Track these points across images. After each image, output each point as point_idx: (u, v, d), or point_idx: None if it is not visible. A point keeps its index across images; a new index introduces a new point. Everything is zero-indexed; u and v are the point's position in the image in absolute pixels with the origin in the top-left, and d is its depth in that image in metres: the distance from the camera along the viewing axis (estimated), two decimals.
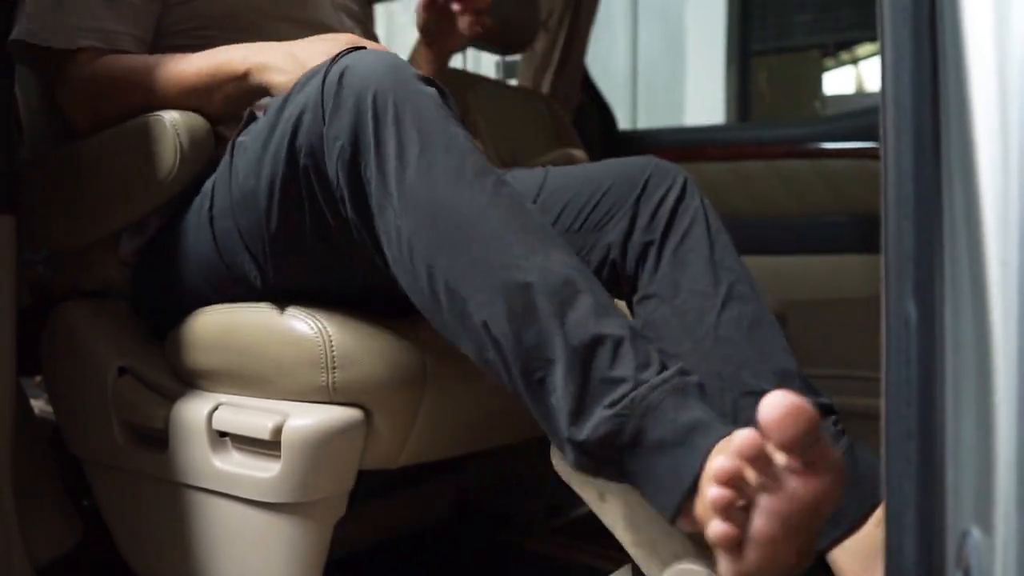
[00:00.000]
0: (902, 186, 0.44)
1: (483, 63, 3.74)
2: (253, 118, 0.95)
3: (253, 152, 0.87)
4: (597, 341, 0.68)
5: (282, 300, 0.90)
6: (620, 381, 0.67)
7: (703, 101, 5.09)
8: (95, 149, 1.03)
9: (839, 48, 5.30)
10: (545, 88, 2.27)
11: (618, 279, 0.96)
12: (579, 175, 1.02)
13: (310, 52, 0.94)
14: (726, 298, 0.88)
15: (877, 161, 1.98)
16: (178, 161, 0.94)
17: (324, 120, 0.77)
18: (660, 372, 0.68)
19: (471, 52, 2.18)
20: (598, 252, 0.97)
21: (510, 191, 0.75)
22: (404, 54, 1.05)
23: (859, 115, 2.10)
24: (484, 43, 2.08)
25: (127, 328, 1.08)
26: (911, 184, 0.44)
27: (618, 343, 0.68)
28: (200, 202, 0.96)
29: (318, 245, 0.86)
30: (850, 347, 2.01)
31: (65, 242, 1.09)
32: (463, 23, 1.26)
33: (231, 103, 1.00)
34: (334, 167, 0.77)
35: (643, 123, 5.33)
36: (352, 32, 1.26)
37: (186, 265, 0.98)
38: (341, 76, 0.77)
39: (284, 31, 1.14)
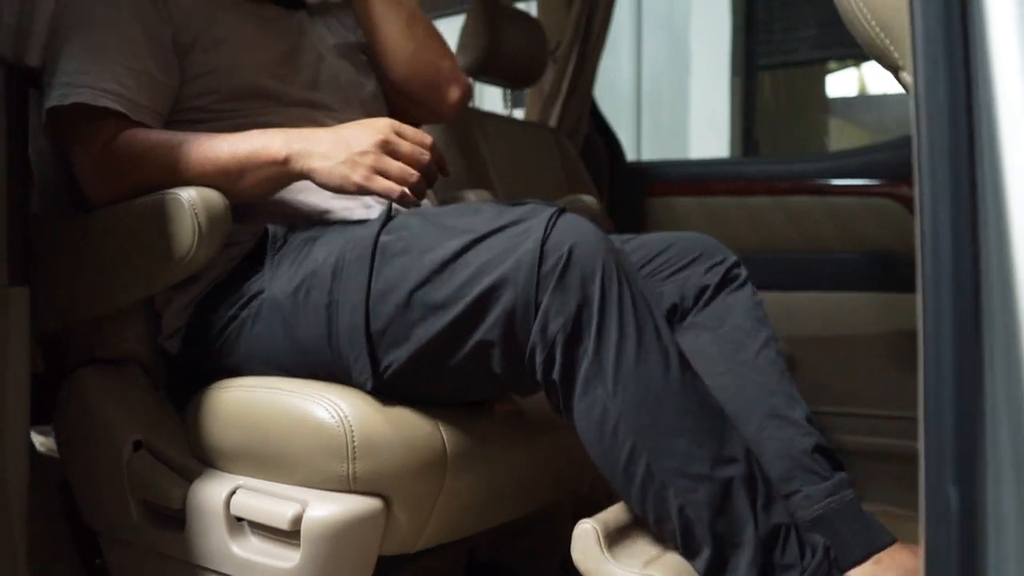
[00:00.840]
0: (941, 363, 0.44)
1: (489, 93, 3.74)
2: (390, 214, 0.94)
3: (415, 269, 0.86)
4: (776, 531, 0.79)
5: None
6: (791, 567, 0.78)
7: (708, 114, 5.09)
8: (110, 223, 1.03)
9: (844, 62, 5.30)
10: (553, 121, 2.26)
11: (671, 315, 1.03)
12: (637, 239, 1.10)
13: (357, 140, 0.96)
14: (764, 344, 0.97)
15: (884, 199, 2.00)
16: (196, 242, 0.94)
17: (539, 290, 0.79)
18: (813, 556, 0.79)
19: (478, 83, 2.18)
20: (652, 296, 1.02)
21: (697, 378, 0.82)
22: None
23: (867, 152, 2.10)
24: (493, 77, 2.08)
25: (142, 398, 1.08)
26: (950, 357, 0.44)
27: (788, 532, 0.79)
28: (305, 280, 0.94)
29: (461, 370, 0.86)
30: (857, 384, 2.01)
31: (78, 313, 1.09)
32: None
33: (261, 186, 1.01)
34: (544, 336, 0.79)
35: (647, 136, 5.33)
36: (365, 85, 1.26)
37: (265, 336, 0.97)
38: (569, 256, 0.78)
39: (300, 96, 1.15)
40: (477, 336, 0.83)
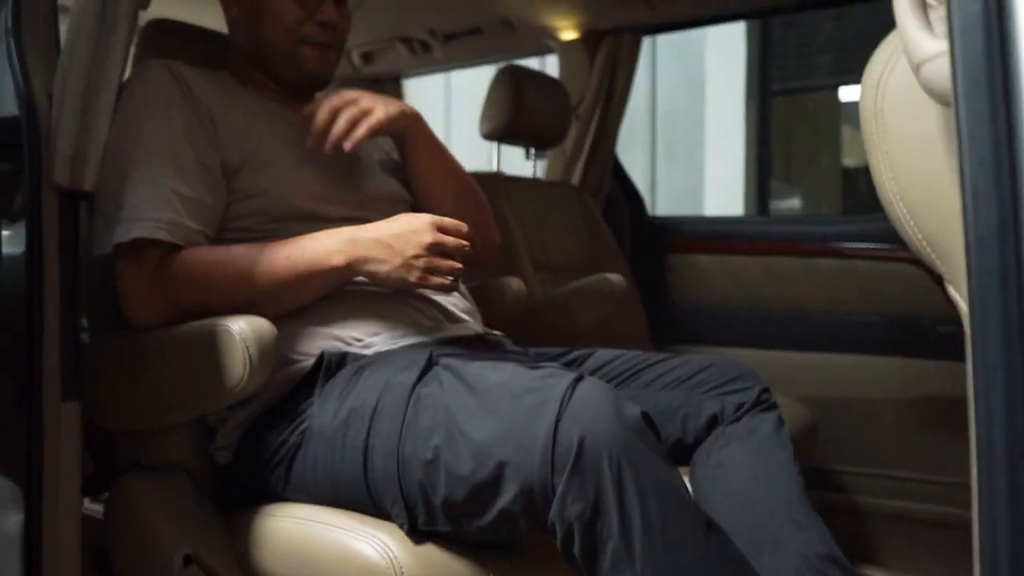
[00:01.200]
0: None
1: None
2: (431, 364, 0.98)
3: (441, 429, 0.88)
4: None
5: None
6: None
7: (723, 139, 5.10)
8: (161, 346, 1.06)
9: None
10: (575, 179, 2.29)
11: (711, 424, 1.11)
12: (680, 358, 1.18)
13: (408, 244, 1.03)
14: (786, 459, 1.04)
15: (908, 265, 2.01)
16: (247, 373, 0.97)
17: (554, 473, 0.80)
18: None
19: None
20: (690, 410, 1.10)
21: (723, 538, 0.84)
22: None
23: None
24: (518, 140, 2.11)
25: (191, 509, 1.11)
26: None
27: None
28: (347, 417, 0.97)
29: (492, 527, 0.88)
30: (878, 446, 2.03)
31: (128, 426, 1.12)
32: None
33: (321, 291, 1.07)
34: (563, 518, 0.80)
35: (662, 161, 5.35)
36: (407, 200, 1.30)
37: (311, 466, 1.00)
38: (581, 444, 0.79)
39: (344, 215, 1.18)
40: (499, 505, 0.84)
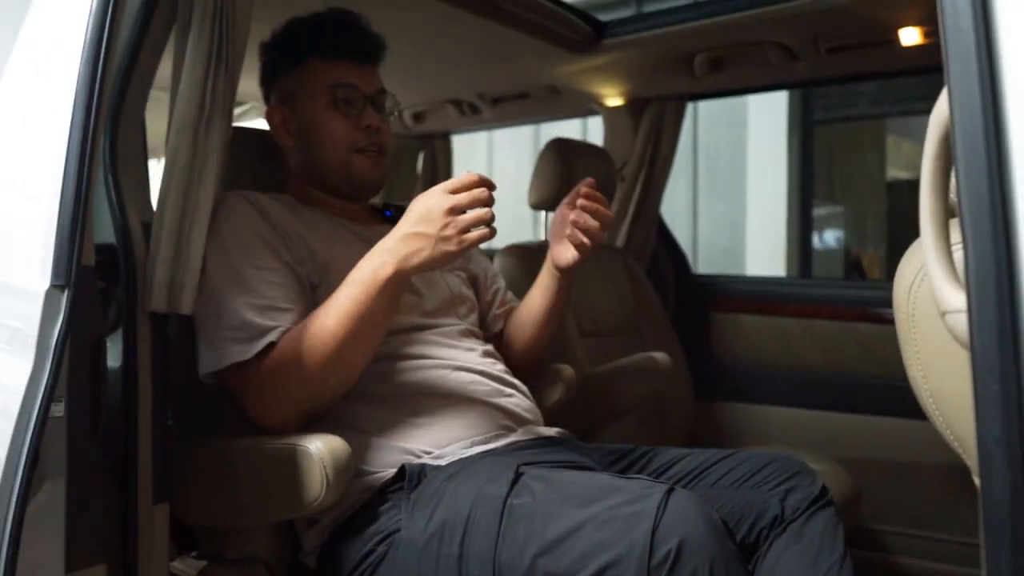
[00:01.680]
0: None
1: None
2: (519, 474, 1.04)
3: (538, 537, 0.95)
4: None
5: None
6: None
7: (765, 170, 5.11)
8: (244, 458, 1.15)
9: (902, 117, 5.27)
10: (620, 241, 2.35)
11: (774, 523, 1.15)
12: (741, 454, 1.23)
13: (429, 221, 1.06)
14: (840, 558, 1.08)
15: None
16: (324, 491, 1.05)
17: None
18: None
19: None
20: (755, 510, 1.14)
21: None
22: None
23: None
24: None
25: None
26: None
27: None
28: (439, 529, 1.04)
29: None
30: (920, 508, 2.05)
31: (208, 524, 1.22)
32: (573, 234, 1.29)
33: (389, 308, 1.11)
34: None
35: (703, 191, 5.37)
36: (468, 298, 1.38)
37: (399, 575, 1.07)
38: (679, 550, 0.87)
39: (414, 323, 1.27)
40: None
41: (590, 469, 1.16)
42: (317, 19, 1.35)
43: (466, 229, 1.05)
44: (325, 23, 1.35)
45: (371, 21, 1.39)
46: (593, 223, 1.27)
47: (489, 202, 1.07)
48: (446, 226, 1.05)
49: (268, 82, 1.39)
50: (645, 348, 2.18)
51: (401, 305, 1.27)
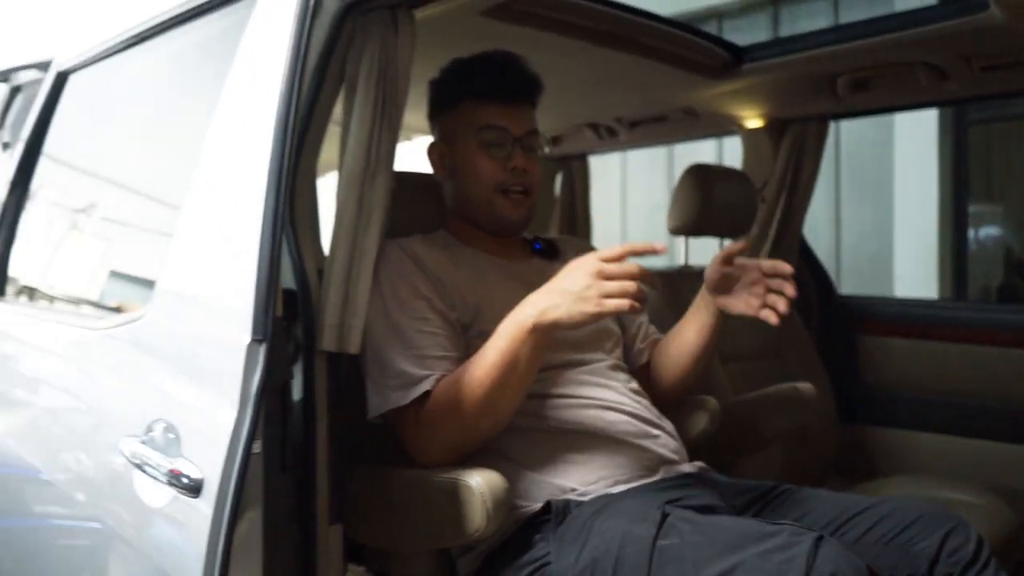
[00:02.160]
0: None
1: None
2: (665, 515, 1.09)
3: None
4: None
5: None
6: None
7: (914, 173, 4.88)
8: (412, 488, 1.25)
9: None
10: None
11: None
12: (888, 502, 1.20)
13: (576, 281, 1.11)
14: None
15: None
16: (485, 523, 1.14)
17: None
18: None
19: None
20: (903, 570, 1.14)
21: None
22: None
23: None
24: (706, 233, 2.18)
25: None
26: None
27: None
28: (589, 566, 1.10)
29: None
30: None
31: (375, 545, 1.33)
32: (750, 303, 1.34)
33: (533, 361, 1.18)
34: None
35: (847, 196, 5.18)
36: (614, 332, 1.44)
37: None
38: None
39: (563, 360, 1.34)
40: None
41: (728, 510, 1.19)
42: (475, 60, 1.44)
43: (608, 296, 1.09)
44: (481, 64, 1.43)
45: (515, 50, 1.46)
46: (782, 305, 1.29)
47: (639, 277, 1.10)
48: (589, 287, 1.10)
49: (432, 119, 1.49)
50: (788, 372, 2.16)
51: (557, 337, 1.34)
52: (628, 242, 1.15)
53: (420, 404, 1.24)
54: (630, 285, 1.09)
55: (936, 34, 1.73)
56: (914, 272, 4.84)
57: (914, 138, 4.87)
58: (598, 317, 1.11)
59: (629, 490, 1.21)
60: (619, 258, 1.11)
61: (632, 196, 6.42)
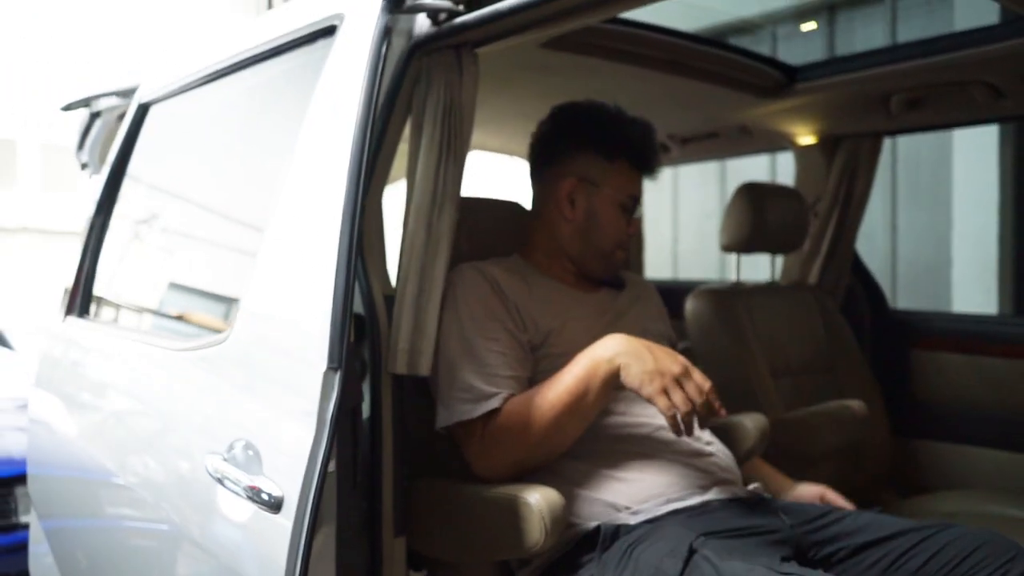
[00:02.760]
0: None
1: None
2: (692, 551, 1.13)
3: None
4: None
5: None
6: None
7: (973, 179, 4.79)
8: (473, 502, 1.31)
9: None
10: (812, 279, 2.35)
11: None
12: (951, 530, 1.22)
13: (663, 360, 1.22)
14: None
15: None
16: (543, 539, 1.20)
17: None
18: None
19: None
20: None
21: None
22: None
23: None
24: (759, 250, 2.21)
25: None
26: None
27: None
28: None
29: None
30: None
31: (436, 556, 1.40)
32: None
33: (598, 393, 1.26)
34: None
35: (903, 203, 5.11)
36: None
37: None
38: None
39: None
40: None
41: (777, 532, 1.23)
42: (633, 125, 1.53)
43: (668, 393, 1.18)
44: (640, 133, 1.52)
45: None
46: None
47: (703, 410, 1.19)
48: (665, 374, 1.20)
49: (572, 155, 1.52)
50: (839, 387, 2.18)
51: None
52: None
53: (487, 420, 1.31)
54: (688, 405, 1.19)
55: (993, 54, 1.74)
56: (973, 279, 4.75)
57: (973, 143, 4.78)
58: (647, 398, 1.21)
59: (677, 513, 1.26)
60: (700, 383, 1.21)
61: (683, 207, 6.42)
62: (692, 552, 1.13)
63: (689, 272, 6.20)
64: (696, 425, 1.21)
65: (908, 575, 1.19)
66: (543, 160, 1.56)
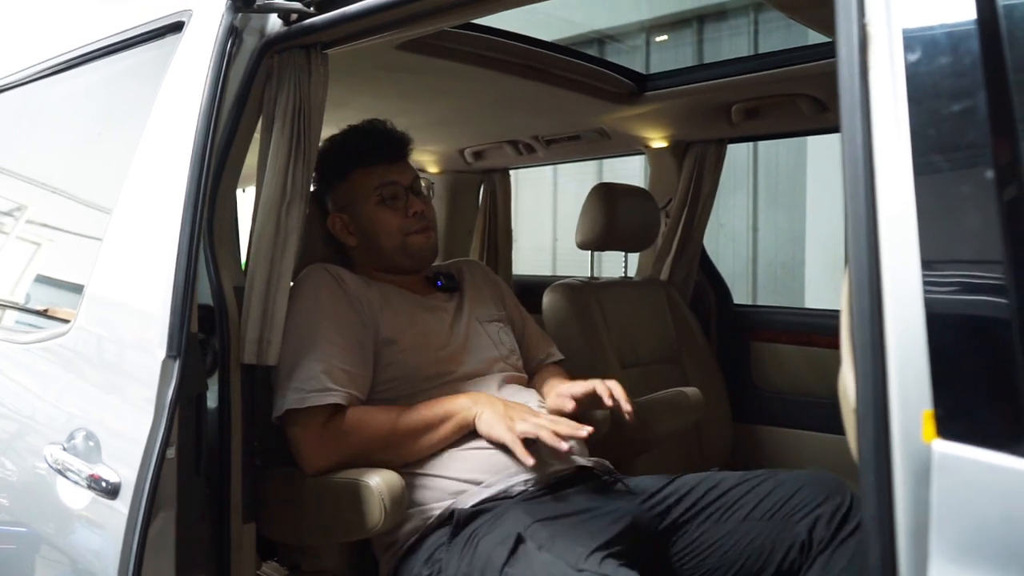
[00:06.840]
0: None
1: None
2: (520, 540, 1.19)
3: None
4: None
5: None
6: None
7: (825, 183, 5.14)
8: (316, 489, 1.36)
9: None
10: (664, 274, 2.50)
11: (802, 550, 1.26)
12: (774, 477, 1.34)
13: (515, 408, 1.34)
14: None
15: None
16: (383, 519, 1.26)
17: None
18: None
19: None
20: (787, 540, 1.26)
21: None
22: None
23: None
24: (612, 247, 2.34)
25: None
26: None
27: None
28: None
29: None
30: None
31: (286, 540, 1.44)
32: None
33: (444, 435, 1.36)
34: None
35: (764, 204, 5.43)
36: (505, 342, 1.58)
37: None
38: None
39: (460, 373, 1.47)
40: None
41: (618, 511, 1.32)
42: (351, 135, 1.61)
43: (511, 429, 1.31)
44: (358, 136, 1.60)
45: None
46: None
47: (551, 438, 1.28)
48: (513, 419, 1.33)
49: (322, 193, 1.64)
50: (686, 376, 2.33)
51: (443, 356, 1.47)
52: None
53: (331, 416, 1.36)
54: (542, 425, 1.31)
55: (816, 71, 1.91)
56: (822, 279, 5.10)
57: (824, 150, 5.13)
58: (496, 439, 1.33)
59: (528, 497, 1.32)
60: (568, 435, 1.29)
61: (563, 203, 6.60)
62: (520, 541, 1.18)
63: (567, 269, 6.37)
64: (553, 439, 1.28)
65: (738, 523, 1.29)
66: (319, 210, 1.65)
